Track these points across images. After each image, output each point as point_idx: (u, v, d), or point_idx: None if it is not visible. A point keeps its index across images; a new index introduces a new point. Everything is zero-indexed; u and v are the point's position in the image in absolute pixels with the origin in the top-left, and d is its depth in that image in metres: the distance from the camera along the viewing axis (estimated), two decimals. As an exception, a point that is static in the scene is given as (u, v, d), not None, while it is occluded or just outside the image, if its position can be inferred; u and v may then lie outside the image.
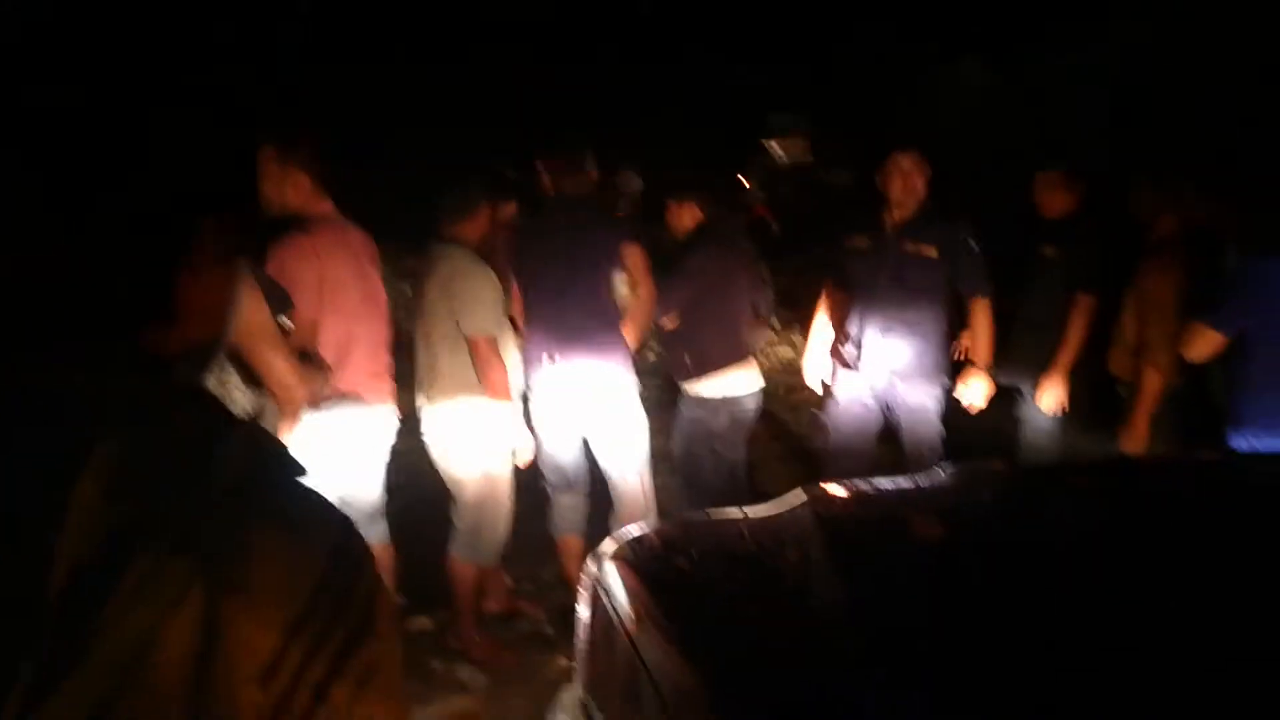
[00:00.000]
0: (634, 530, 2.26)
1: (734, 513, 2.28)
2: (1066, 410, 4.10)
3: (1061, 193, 4.17)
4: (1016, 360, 4.23)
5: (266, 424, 2.77)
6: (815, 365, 4.28)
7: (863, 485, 2.35)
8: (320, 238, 2.96)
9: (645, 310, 3.83)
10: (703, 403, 4.02)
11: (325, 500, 0.69)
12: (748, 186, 11.67)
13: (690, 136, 11.23)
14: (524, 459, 3.64)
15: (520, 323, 3.75)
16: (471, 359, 3.40)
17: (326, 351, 2.97)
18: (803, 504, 2.22)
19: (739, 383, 4.05)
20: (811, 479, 2.34)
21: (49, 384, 0.63)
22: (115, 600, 0.56)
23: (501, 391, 3.43)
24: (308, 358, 2.85)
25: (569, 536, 3.82)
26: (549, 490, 3.86)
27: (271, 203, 2.92)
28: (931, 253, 3.93)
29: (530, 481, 3.85)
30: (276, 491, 0.66)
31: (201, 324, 0.73)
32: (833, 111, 12.88)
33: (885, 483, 2.38)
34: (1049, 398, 4.07)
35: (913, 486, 2.33)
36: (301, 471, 0.69)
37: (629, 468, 3.78)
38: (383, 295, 3.26)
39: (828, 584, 1.88)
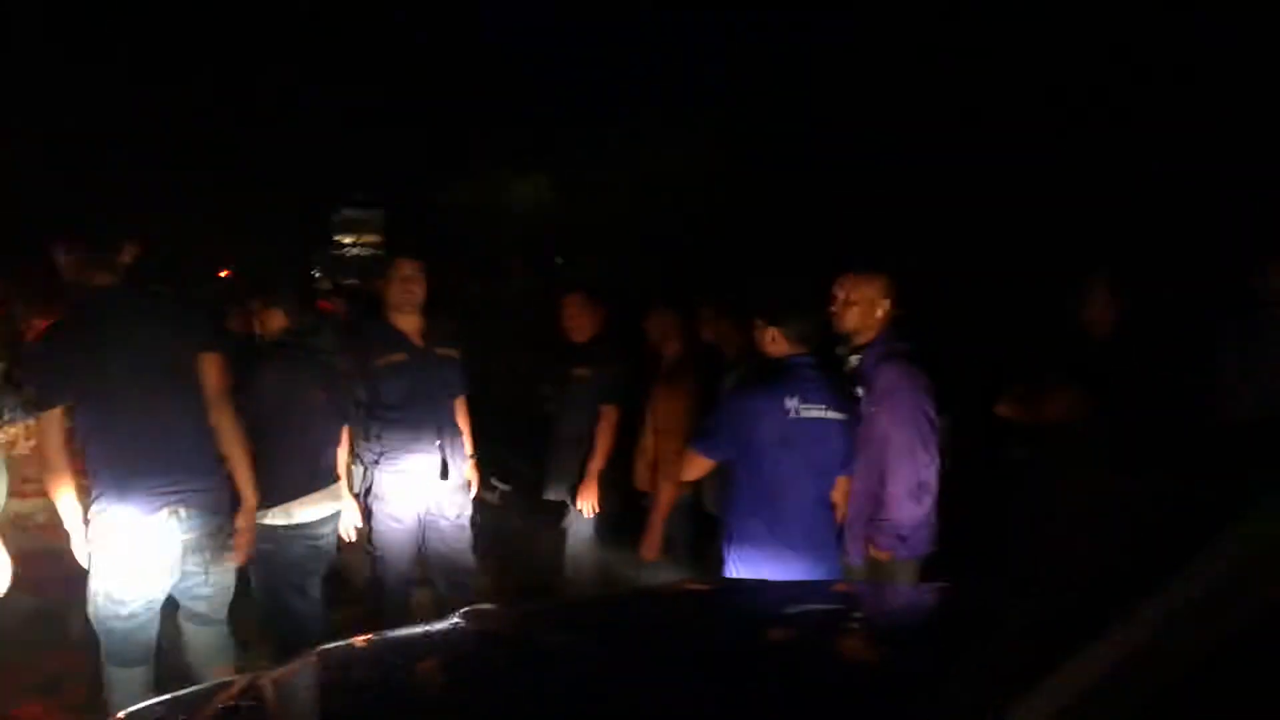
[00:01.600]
0: (122, 714, 1.98)
1: (238, 682, 2.08)
2: (598, 514, 4.37)
3: (589, 316, 4.52)
4: (557, 473, 4.47)
5: None
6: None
7: (379, 639, 2.27)
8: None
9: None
10: (272, 533, 3.55)
11: None
12: (317, 277, 11.31)
13: (255, 225, 10.67)
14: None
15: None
16: None
17: None
18: (310, 663, 2.09)
19: (316, 510, 3.67)
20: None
21: None
22: None
23: None
24: None
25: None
26: (108, 666, 3.11)
27: None
28: (455, 353, 4.10)
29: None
30: None
31: None
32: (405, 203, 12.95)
33: (405, 633, 2.33)
34: (585, 504, 4.33)
35: (431, 634, 2.30)
36: None
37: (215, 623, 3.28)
38: None
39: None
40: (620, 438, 4.35)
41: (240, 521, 3.22)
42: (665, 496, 3.78)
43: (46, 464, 2.96)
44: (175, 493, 2.99)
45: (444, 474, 3.98)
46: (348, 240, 13.32)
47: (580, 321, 4.50)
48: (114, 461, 2.94)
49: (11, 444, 3.79)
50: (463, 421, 4.16)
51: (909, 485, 3.21)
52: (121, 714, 1.99)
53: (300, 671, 2.16)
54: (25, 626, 3.70)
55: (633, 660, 1.92)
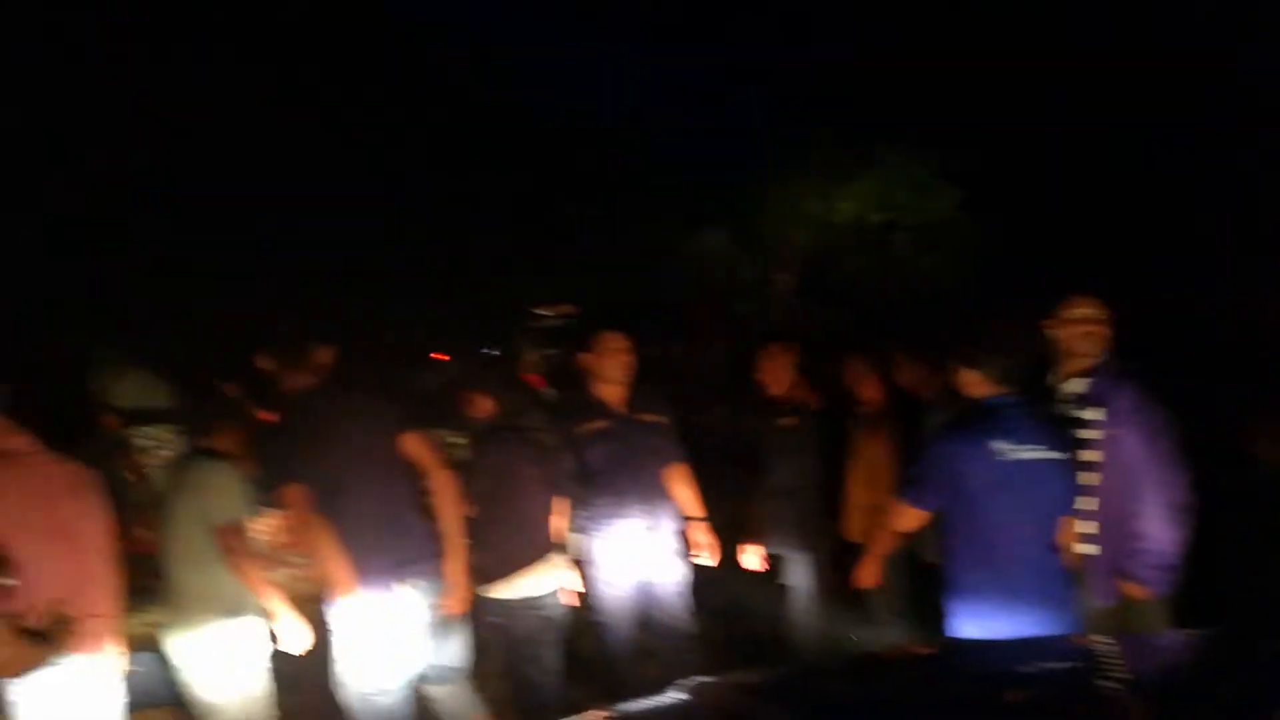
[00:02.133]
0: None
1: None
2: (818, 568, 4.32)
3: (785, 367, 4.51)
4: (771, 526, 4.46)
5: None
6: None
7: (607, 714, 2.34)
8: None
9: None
10: (500, 606, 3.74)
11: None
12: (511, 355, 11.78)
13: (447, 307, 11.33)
14: (296, 648, 3.44)
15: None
16: (222, 554, 3.30)
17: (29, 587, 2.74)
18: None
19: (539, 582, 3.80)
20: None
21: None
22: None
23: (256, 580, 3.33)
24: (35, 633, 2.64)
25: None
26: None
27: None
28: (661, 419, 4.16)
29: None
30: None
31: None
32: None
33: (631, 708, 2.40)
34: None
35: (656, 710, 2.35)
36: None
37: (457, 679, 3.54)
38: (89, 528, 2.99)
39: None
40: (828, 488, 4.29)
41: (450, 575, 3.43)
42: (879, 548, 3.69)
43: (314, 542, 3.22)
44: (409, 567, 3.21)
45: (653, 535, 4.05)
46: (546, 313, 13.88)
47: (778, 373, 4.50)
48: (349, 544, 3.20)
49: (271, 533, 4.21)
50: (683, 487, 4.20)
51: (1168, 506, 3.00)
52: None
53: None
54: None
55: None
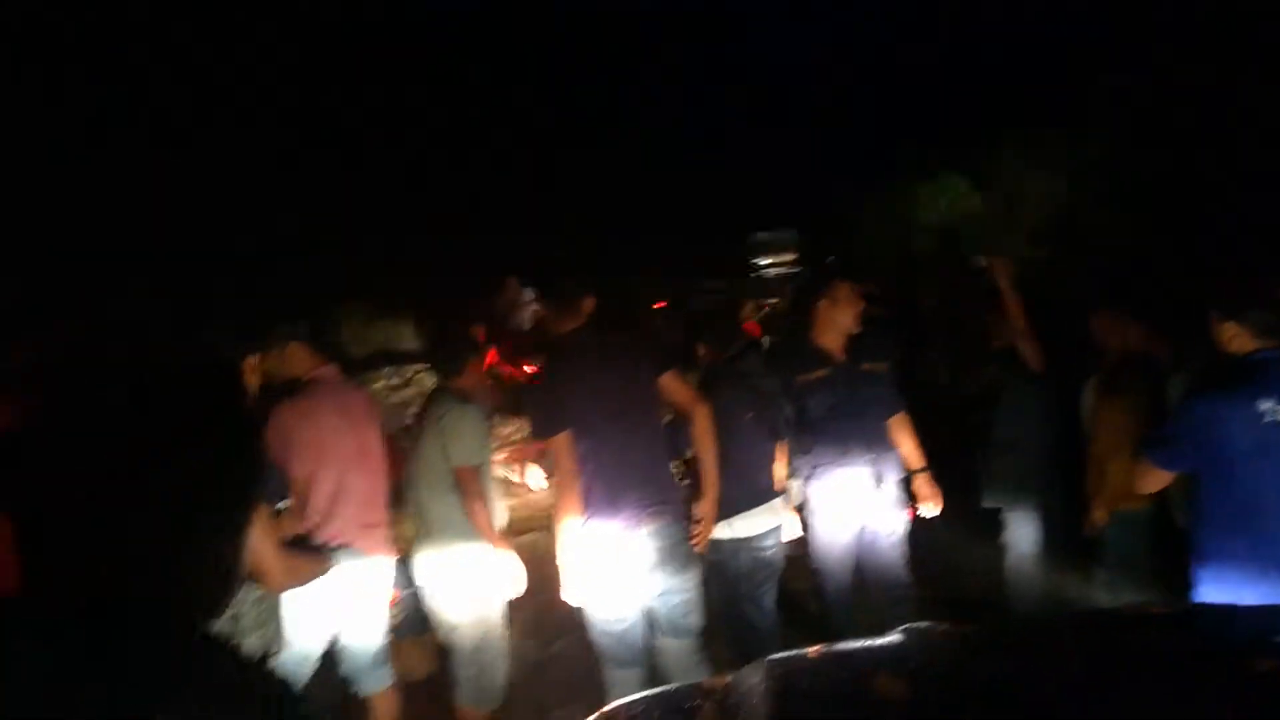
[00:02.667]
0: (610, 706, 2.29)
1: (699, 686, 2.32)
2: (1044, 526, 4.16)
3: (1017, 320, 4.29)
4: (994, 480, 4.32)
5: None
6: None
7: (824, 651, 2.39)
8: (316, 399, 3.20)
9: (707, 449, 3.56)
10: (718, 546, 3.83)
11: None
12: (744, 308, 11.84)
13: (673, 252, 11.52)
14: (514, 592, 3.69)
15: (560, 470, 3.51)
16: (459, 491, 3.57)
17: (319, 502, 3.18)
18: (761, 671, 2.26)
19: (756, 524, 3.89)
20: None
21: None
22: None
23: (485, 525, 3.57)
24: (307, 545, 3.06)
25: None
26: (607, 667, 3.49)
27: (274, 374, 3.19)
28: (883, 368, 4.09)
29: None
30: None
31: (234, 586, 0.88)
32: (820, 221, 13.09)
33: (846, 647, 2.43)
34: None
35: (872, 649, 2.37)
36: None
37: (687, 634, 3.52)
38: (378, 451, 3.45)
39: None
40: (1060, 444, 4.09)
41: (701, 510, 3.57)
42: (1111, 503, 3.53)
43: (562, 484, 3.42)
44: (652, 506, 3.35)
45: (875, 485, 4.03)
46: (764, 261, 13.80)
47: (1006, 325, 4.31)
48: (603, 482, 3.36)
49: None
50: (905, 437, 4.15)
51: None
52: (608, 707, 2.31)
53: (752, 679, 2.35)
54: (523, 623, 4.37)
55: (1085, 691, 1.83)
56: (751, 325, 11.23)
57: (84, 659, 0.75)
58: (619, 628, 3.39)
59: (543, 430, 3.43)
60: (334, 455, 3.29)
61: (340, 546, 3.32)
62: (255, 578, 2.55)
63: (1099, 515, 3.81)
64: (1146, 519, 3.71)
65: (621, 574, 3.34)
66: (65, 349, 0.86)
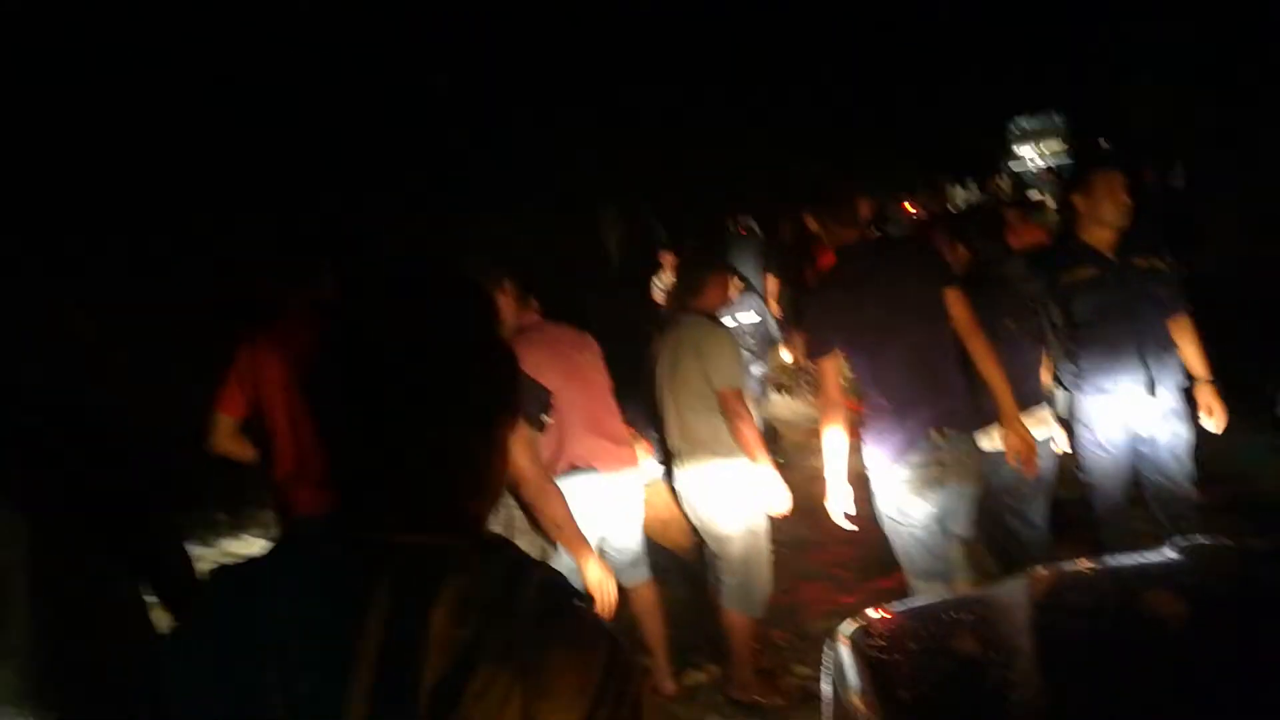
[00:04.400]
0: (871, 613, 2.39)
1: (954, 594, 2.38)
2: None
3: None
4: None
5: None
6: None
7: (1091, 565, 2.36)
8: (526, 339, 3.44)
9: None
10: (984, 457, 3.64)
11: (599, 622, 0.97)
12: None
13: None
14: (780, 510, 3.76)
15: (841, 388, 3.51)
16: (723, 413, 3.66)
17: (553, 432, 3.44)
18: (1024, 583, 2.27)
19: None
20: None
21: (403, 544, 0.95)
22: (464, 702, 0.87)
23: (753, 443, 3.66)
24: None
25: None
26: (911, 579, 3.42)
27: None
28: (1161, 265, 3.80)
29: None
30: (564, 618, 0.94)
31: (500, 485, 1.06)
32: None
33: (1116, 561, 2.39)
34: None
35: (1145, 565, 2.31)
36: (582, 599, 0.98)
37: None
38: (598, 376, 3.67)
39: (1046, 675, 1.94)
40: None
41: (1003, 431, 3.45)
42: None
43: (825, 404, 3.44)
44: (939, 415, 3.30)
45: (1150, 393, 3.78)
46: (1026, 152, 12.85)
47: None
48: (887, 393, 3.31)
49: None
50: (1187, 340, 3.83)
51: None
52: (865, 613, 2.40)
53: (1014, 590, 2.37)
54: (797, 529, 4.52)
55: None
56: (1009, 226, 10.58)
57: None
58: (915, 534, 3.36)
59: (814, 349, 3.44)
60: (555, 385, 3.34)
61: (581, 467, 3.49)
62: (514, 485, 2.88)
63: None
64: None
65: (910, 479, 3.30)
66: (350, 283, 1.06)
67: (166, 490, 3.76)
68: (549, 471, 3.35)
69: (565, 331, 3.66)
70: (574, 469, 3.50)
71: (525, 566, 0.96)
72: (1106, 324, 3.76)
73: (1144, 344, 3.76)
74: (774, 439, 6.03)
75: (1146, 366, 3.75)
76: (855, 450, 3.42)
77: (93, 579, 2.04)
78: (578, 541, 3.04)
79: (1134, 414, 3.79)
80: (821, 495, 3.46)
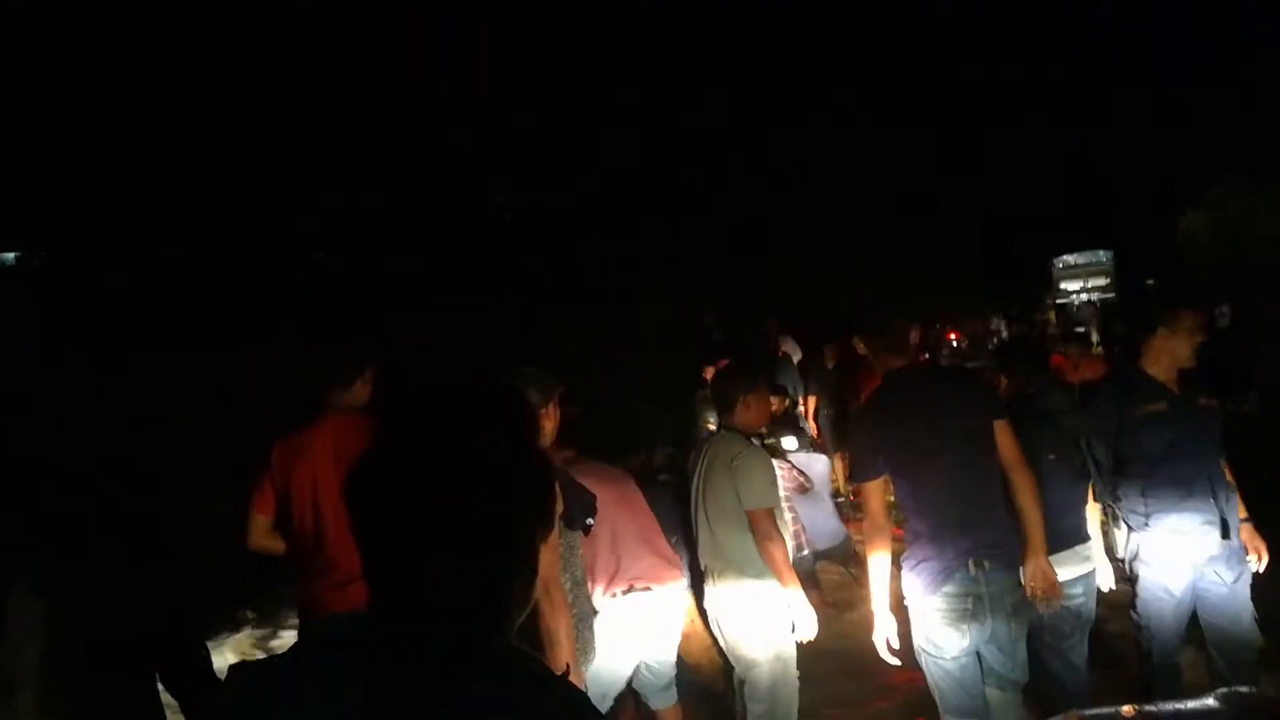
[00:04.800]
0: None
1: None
2: None
3: None
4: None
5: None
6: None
7: (1132, 711, 2.26)
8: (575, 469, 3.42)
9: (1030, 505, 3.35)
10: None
11: None
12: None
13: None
14: (807, 635, 3.68)
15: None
16: (752, 534, 3.62)
17: (603, 551, 3.53)
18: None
19: (1063, 570, 3.59)
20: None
21: (432, 648, 0.96)
22: None
23: (783, 566, 3.60)
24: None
25: None
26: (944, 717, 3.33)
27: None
28: (1215, 405, 3.76)
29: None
30: None
31: (531, 594, 1.08)
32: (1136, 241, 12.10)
33: (1158, 708, 2.28)
34: None
35: (1184, 713, 2.21)
36: (597, 715, 0.99)
37: (1013, 687, 3.34)
38: (641, 500, 3.76)
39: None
40: None
41: (1029, 567, 3.32)
42: None
43: (871, 529, 3.39)
44: (978, 547, 3.21)
45: (1224, 534, 3.63)
46: (1073, 287, 12.89)
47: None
48: (926, 518, 3.27)
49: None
50: (1229, 481, 3.76)
51: None
52: None
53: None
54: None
55: None
56: (1058, 358, 10.56)
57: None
58: (949, 669, 3.24)
59: (859, 473, 3.42)
60: (606, 503, 3.33)
61: (640, 588, 3.54)
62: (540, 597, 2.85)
63: None
64: None
65: (946, 611, 3.21)
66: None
67: (197, 583, 3.77)
68: (607, 589, 3.46)
69: (602, 467, 3.72)
70: (632, 589, 3.51)
71: (548, 682, 0.97)
72: (1176, 460, 3.65)
73: (1213, 479, 3.65)
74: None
75: (1219, 507, 3.63)
76: (897, 578, 3.35)
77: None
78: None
79: (1203, 556, 3.64)
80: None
